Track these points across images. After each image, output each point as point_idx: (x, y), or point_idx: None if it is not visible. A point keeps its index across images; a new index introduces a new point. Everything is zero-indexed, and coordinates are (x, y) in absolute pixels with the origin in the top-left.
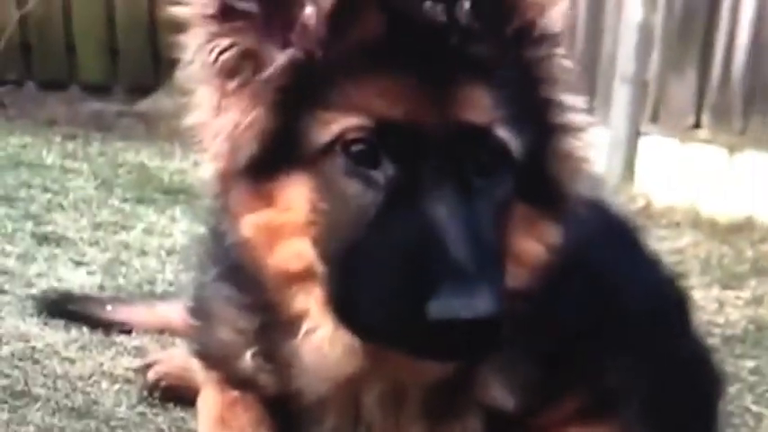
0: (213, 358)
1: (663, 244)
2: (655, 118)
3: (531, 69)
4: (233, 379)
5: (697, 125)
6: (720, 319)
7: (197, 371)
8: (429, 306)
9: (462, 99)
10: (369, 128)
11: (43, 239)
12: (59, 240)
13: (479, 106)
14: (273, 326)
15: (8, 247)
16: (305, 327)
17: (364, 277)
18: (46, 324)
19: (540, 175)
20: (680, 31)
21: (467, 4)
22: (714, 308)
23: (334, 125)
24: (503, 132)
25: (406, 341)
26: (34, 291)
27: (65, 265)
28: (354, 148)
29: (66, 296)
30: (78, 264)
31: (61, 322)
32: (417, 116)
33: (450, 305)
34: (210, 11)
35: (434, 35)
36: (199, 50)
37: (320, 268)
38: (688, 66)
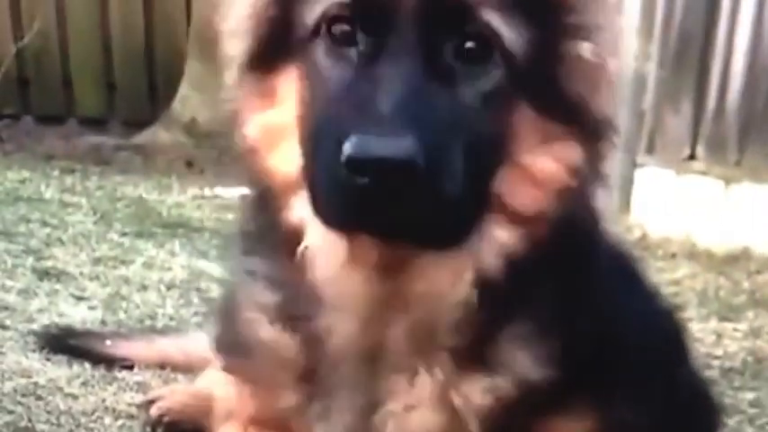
0: (236, 349)
1: (660, 275)
2: (651, 149)
3: None
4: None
5: (692, 156)
6: (719, 351)
7: (218, 400)
8: (343, 148)
9: None
10: (347, 3)
11: (44, 274)
12: (60, 275)
13: None
14: (289, 270)
15: (9, 283)
16: (305, 243)
17: (318, 155)
18: (48, 360)
19: (555, 86)
20: (675, 63)
21: None
22: (712, 340)
23: (318, 5)
24: (492, 17)
25: (332, 204)
26: (35, 326)
27: (65, 300)
28: (335, 28)
29: (68, 331)
30: (79, 299)
31: (63, 358)
32: None
33: (358, 142)
34: None
35: None
36: None
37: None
38: (683, 97)
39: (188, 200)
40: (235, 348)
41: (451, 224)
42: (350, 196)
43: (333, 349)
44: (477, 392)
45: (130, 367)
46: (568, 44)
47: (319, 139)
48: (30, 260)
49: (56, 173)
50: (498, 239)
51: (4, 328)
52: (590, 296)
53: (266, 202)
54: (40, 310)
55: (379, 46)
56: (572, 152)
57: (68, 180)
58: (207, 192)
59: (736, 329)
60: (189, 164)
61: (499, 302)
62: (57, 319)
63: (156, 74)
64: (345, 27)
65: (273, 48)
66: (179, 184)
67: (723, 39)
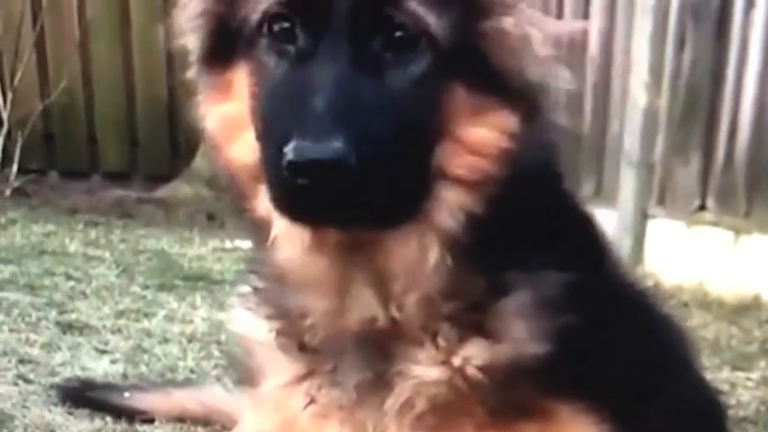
0: (244, 363)
1: None
2: (661, 201)
3: None
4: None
5: (703, 208)
6: (732, 401)
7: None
8: (284, 151)
9: None
10: (286, 1)
11: (67, 328)
12: (83, 328)
13: None
14: (267, 257)
15: (32, 336)
16: (272, 235)
17: (266, 152)
18: (71, 413)
19: (483, 61)
20: (684, 116)
21: None
22: (725, 389)
23: (260, 5)
24: (416, 7)
25: (284, 200)
26: (58, 379)
27: (88, 353)
28: (276, 26)
29: (89, 385)
30: (101, 352)
31: (85, 411)
32: None
33: (296, 147)
34: None
35: None
36: None
37: None
38: (692, 150)
39: (209, 252)
40: (243, 364)
41: (398, 202)
42: (296, 193)
43: (321, 330)
44: (477, 358)
45: (151, 420)
46: (489, 21)
47: (266, 135)
48: (53, 313)
49: (80, 226)
50: (452, 204)
51: (28, 381)
52: (589, 273)
53: (236, 192)
54: (63, 364)
55: (315, 42)
56: (506, 119)
57: (92, 233)
58: (227, 244)
59: (748, 378)
60: (210, 217)
61: (484, 269)
62: (79, 373)
63: (177, 131)
64: (285, 24)
65: (225, 43)
66: (200, 236)
67: (730, 92)
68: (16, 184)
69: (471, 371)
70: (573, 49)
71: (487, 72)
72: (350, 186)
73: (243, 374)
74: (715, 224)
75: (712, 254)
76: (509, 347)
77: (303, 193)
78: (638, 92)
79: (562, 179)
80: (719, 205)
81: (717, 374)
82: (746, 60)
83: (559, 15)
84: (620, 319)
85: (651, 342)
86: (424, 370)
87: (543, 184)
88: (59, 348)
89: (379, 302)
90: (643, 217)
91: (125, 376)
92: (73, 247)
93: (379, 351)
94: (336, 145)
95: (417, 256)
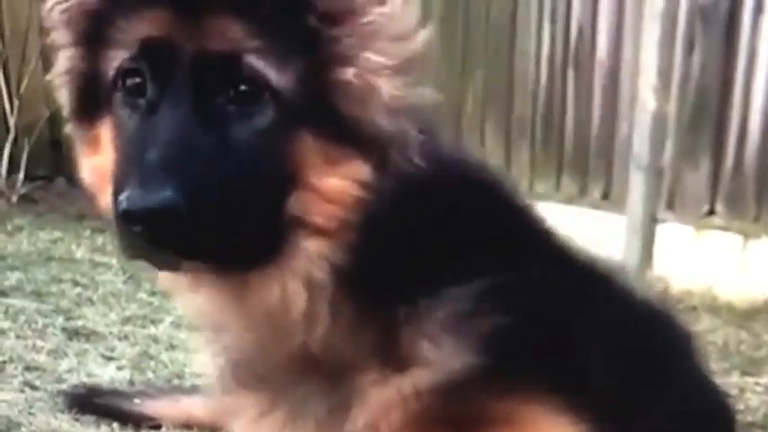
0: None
1: None
2: (670, 205)
3: (298, 3)
4: None
5: (712, 212)
6: (740, 406)
7: None
8: (119, 201)
9: (211, 29)
10: (135, 57)
11: (73, 334)
12: (89, 335)
13: (227, 36)
14: None
15: (39, 343)
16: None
17: (112, 197)
18: (77, 420)
19: (330, 112)
20: (693, 120)
21: None
22: (734, 394)
23: (115, 61)
24: (256, 62)
25: (126, 247)
26: (65, 386)
27: (95, 360)
28: (130, 81)
29: (96, 391)
30: (108, 358)
31: (92, 418)
32: (171, 44)
33: (127, 196)
34: None
35: None
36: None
37: None
38: (701, 154)
39: None
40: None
41: (247, 247)
42: (134, 240)
43: (257, 365)
44: (415, 382)
45: (158, 427)
46: (332, 73)
47: (113, 186)
48: (60, 320)
49: (87, 233)
50: (310, 250)
51: (34, 388)
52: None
53: None
54: (70, 371)
55: (161, 97)
56: (359, 168)
57: (99, 240)
58: None
59: (757, 383)
60: None
61: (387, 299)
62: (85, 379)
63: None
64: (137, 79)
65: (89, 99)
66: None
67: (739, 97)
68: (23, 190)
69: (417, 394)
70: (423, 62)
71: (337, 122)
72: (183, 233)
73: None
74: (724, 228)
75: (721, 258)
76: (439, 368)
77: (140, 239)
78: (646, 96)
79: (484, 187)
80: (729, 209)
81: (726, 379)
82: (756, 64)
83: (568, 22)
84: (581, 312)
85: (636, 337)
86: (375, 395)
87: (439, 203)
88: (66, 355)
89: (281, 338)
90: (652, 221)
91: (132, 383)
92: (80, 253)
93: (327, 380)
94: (166, 194)
95: (282, 298)
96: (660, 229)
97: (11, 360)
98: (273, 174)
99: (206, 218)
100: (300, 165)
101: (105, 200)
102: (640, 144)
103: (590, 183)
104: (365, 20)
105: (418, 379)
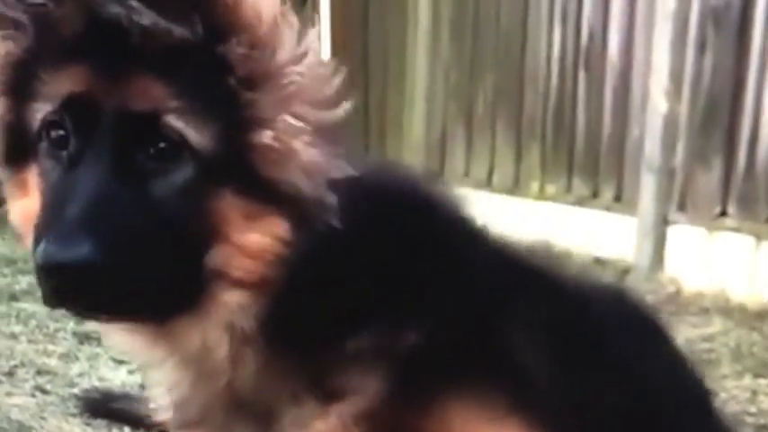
0: None
1: (693, 331)
2: (682, 207)
3: (219, 66)
4: None
5: (724, 213)
6: (753, 408)
7: None
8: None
9: (132, 88)
10: (59, 109)
11: (84, 338)
12: (100, 339)
13: (148, 95)
14: None
15: (50, 347)
16: None
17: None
18: (88, 425)
19: (250, 171)
20: (704, 122)
21: (148, 11)
22: (746, 397)
23: (39, 113)
24: (177, 122)
25: (45, 296)
26: (76, 390)
27: (106, 364)
28: (53, 133)
29: (106, 395)
30: (119, 362)
31: (103, 422)
32: (93, 101)
33: (41, 250)
34: None
35: (119, 33)
36: None
37: None
38: (713, 156)
39: None
40: None
41: (166, 299)
42: (52, 291)
43: (194, 403)
44: (346, 414)
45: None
46: (250, 134)
47: (35, 236)
48: (71, 324)
49: None
50: (230, 302)
51: (46, 392)
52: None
53: None
54: (81, 374)
55: (83, 151)
56: (278, 226)
57: None
58: None
59: None
60: None
61: (308, 342)
62: (97, 383)
63: None
64: (61, 132)
65: (17, 148)
66: None
67: (751, 98)
68: None
69: (344, 428)
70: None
71: (255, 181)
72: (100, 286)
73: None
74: (736, 230)
75: (734, 260)
76: (363, 399)
77: (58, 290)
78: (658, 97)
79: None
80: (741, 211)
81: (738, 382)
82: (767, 66)
83: (578, 23)
84: (507, 313)
85: (567, 327)
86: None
87: (356, 251)
88: (77, 359)
89: (207, 379)
90: (664, 223)
91: (143, 387)
92: None
93: (258, 421)
94: (82, 249)
95: (203, 345)
96: (672, 231)
97: (22, 364)
98: (193, 229)
99: (124, 273)
100: (220, 221)
101: (30, 243)
102: (652, 145)
103: (601, 184)
104: (284, 84)
105: (344, 414)
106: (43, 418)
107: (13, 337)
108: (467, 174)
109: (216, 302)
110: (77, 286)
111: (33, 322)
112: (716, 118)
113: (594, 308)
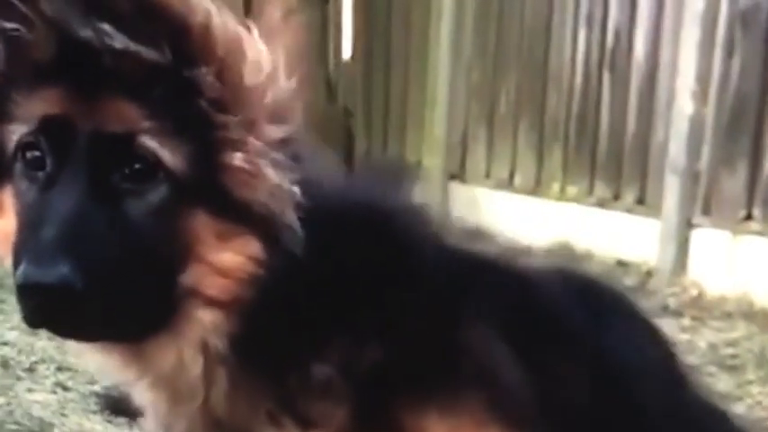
0: None
1: (717, 336)
2: (706, 210)
3: (190, 88)
4: None
5: (749, 217)
6: None
7: None
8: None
9: (106, 109)
10: (35, 131)
11: None
12: None
13: (122, 117)
14: None
15: (71, 345)
16: None
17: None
18: (109, 422)
19: (222, 191)
20: (730, 125)
21: (119, 34)
22: None
23: (14, 135)
24: (151, 143)
25: (26, 316)
26: (97, 387)
27: None
28: (29, 154)
29: (127, 393)
30: None
31: (123, 420)
32: (68, 122)
33: (20, 272)
34: None
35: (92, 56)
36: None
37: None
38: (739, 159)
39: None
40: None
41: (140, 319)
42: (31, 311)
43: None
44: None
45: None
46: (222, 156)
47: (14, 259)
48: None
49: None
50: (204, 320)
51: (66, 389)
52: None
53: None
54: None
55: (58, 172)
56: (250, 246)
57: None
58: None
59: None
60: None
61: (276, 363)
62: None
63: None
64: (36, 153)
65: None
66: None
67: None
68: None
69: None
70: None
71: (227, 201)
72: (78, 307)
73: None
74: (761, 234)
75: (758, 264)
76: (336, 421)
77: (38, 310)
78: (684, 99)
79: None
80: (766, 215)
81: (763, 387)
82: None
83: (604, 22)
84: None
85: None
86: None
87: (325, 270)
88: None
89: (182, 399)
90: (687, 226)
91: None
92: None
93: None
94: (61, 270)
95: (178, 363)
96: (695, 234)
97: (42, 360)
98: (167, 249)
99: (101, 293)
100: (194, 240)
101: (9, 263)
102: (677, 148)
103: (623, 186)
104: (253, 107)
105: None
106: (64, 415)
107: (33, 333)
108: (488, 174)
109: (189, 321)
110: (56, 307)
111: None
112: (742, 120)
113: (546, 291)
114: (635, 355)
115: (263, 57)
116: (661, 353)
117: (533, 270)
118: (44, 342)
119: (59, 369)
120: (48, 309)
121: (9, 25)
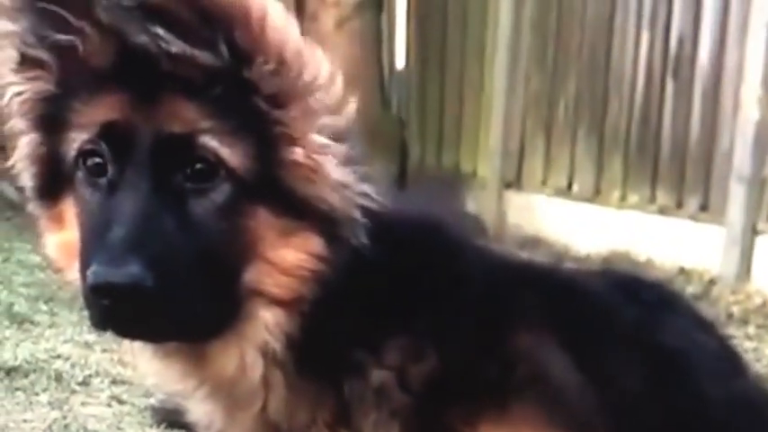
0: None
1: None
2: None
3: (247, 86)
4: None
5: None
6: None
7: None
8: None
9: (166, 111)
10: (95, 138)
11: None
12: None
13: (182, 118)
14: None
15: (125, 357)
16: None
17: (81, 272)
18: None
19: (283, 188)
20: None
21: (175, 39)
22: None
23: (75, 143)
24: (212, 142)
25: (95, 319)
26: (152, 401)
27: None
28: (90, 161)
29: (182, 405)
30: None
31: None
32: (130, 126)
33: (94, 271)
34: (11, 64)
35: (150, 60)
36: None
37: None
38: None
39: None
40: None
41: (206, 318)
42: (102, 312)
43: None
44: None
45: None
46: (281, 152)
47: (80, 261)
48: None
49: None
50: (267, 320)
51: (122, 402)
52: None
53: None
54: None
55: (121, 176)
56: (312, 243)
57: None
58: None
59: None
60: None
61: (331, 370)
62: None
63: None
64: (97, 159)
65: (52, 179)
66: None
67: None
68: None
69: None
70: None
71: (288, 198)
72: (149, 306)
73: None
74: None
75: None
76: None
77: (108, 312)
78: (750, 105)
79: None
80: None
81: None
82: None
83: (668, 27)
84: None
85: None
86: None
87: (384, 273)
88: None
89: (240, 406)
90: (752, 233)
91: None
92: None
93: None
94: (132, 269)
95: (240, 366)
96: (760, 242)
97: (97, 374)
98: (231, 247)
99: (170, 291)
100: (256, 238)
101: (71, 274)
102: (742, 154)
103: (687, 194)
104: (311, 102)
105: None
106: (120, 429)
107: (87, 346)
108: (545, 181)
109: (252, 322)
110: (126, 306)
111: None
112: None
113: (593, 294)
114: (690, 346)
115: (319, 53)
116: (714, 342)
117: (578, 274)
118: (98, 355)
119: (114, 382)
120: (118, 309)
121: (63, 37)
